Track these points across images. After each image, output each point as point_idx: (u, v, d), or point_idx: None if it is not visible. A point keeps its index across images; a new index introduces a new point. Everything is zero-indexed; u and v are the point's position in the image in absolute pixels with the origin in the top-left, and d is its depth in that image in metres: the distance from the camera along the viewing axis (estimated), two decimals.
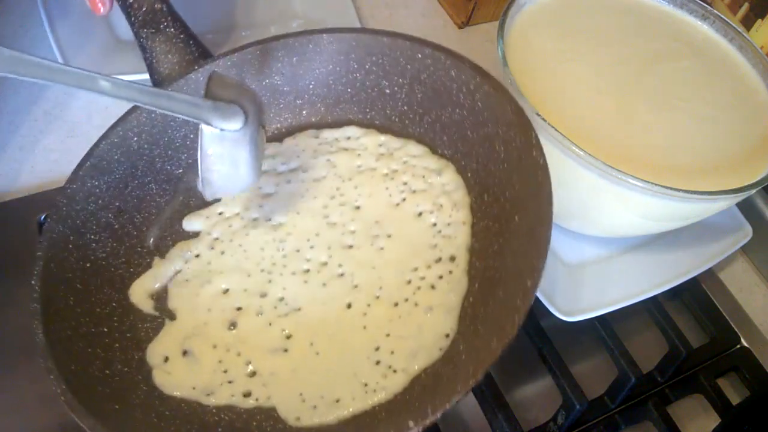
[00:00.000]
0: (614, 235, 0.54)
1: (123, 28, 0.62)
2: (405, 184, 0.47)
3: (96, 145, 0.45)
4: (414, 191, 0.47)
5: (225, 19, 0.68)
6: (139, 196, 0.47)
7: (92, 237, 0.44)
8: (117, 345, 0.42)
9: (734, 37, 0.54)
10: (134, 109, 0.46)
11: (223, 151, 0.39)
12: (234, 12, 0.69)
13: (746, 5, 0.64)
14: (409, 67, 0.49)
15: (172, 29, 0.49)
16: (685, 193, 0.42)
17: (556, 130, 0.43)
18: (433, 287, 0.43)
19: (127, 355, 0.42)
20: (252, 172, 0.41)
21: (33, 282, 0.39)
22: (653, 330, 0.55)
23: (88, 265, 0.43)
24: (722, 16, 0.54)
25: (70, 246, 0.42)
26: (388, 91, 0.50)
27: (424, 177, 0.47)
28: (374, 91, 0.50)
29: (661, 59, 0.52)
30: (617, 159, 0.43)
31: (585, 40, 0.52)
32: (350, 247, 0.45)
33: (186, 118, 0.37)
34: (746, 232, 0.58)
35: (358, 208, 0.47)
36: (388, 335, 0.41)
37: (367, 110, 0.51)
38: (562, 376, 0.49)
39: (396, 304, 0.42)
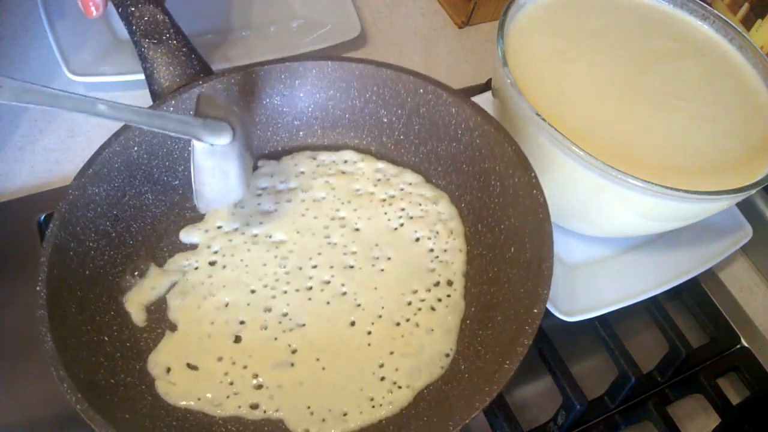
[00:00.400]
0: (614, 235, 0.54)
1: (123, 28, 0.62)
2: (402, 210, 0.49)
3: (98, 152, 0.45)
4: (411, 217, 0.49)
5: (225, 19, 0.68)
6: (136, 205, 0.47)
7: (91, 244, 0.44)
8: (118, 354, 0.42)
9: (734, 37, 0.54)
10: None
11: (214, 165, 0.41)
12: (234, 12, 0.69)
13: (746, 5, 0.64)
14: (409, 99, 0.50)
15: (175, 41, 0.49)
16: (685, 193, 0.42)
17: (556, 130, 0.43)
18: (433, 309, 0.45)
19: (128, 364, 0.42)
20: (241, 183, 0.43)
21: (39, 288, 0.39)
22: (653, 330, 0.55)
23: (87, 272, 0.43)
24: (722, 16, 0.54)
25: (71, 253, 0.42)
26: (385, 120, 0.51)
27: (420, 205, 0.49)
28: (372, 119, 0.52)
29: (662, 59, 0.52)
30: (617, 159, 0.43)
31: (585, 40, 0.52)
32: (351, 267, 0.46)
33: (179, 135, 0.39)
34: (746, 232, 0.58)
35: (357, 230, 0.48)
36: (391, 353, 0.43)
37: (364, 136, 0.52)
38: (562, 376, 0.49)
39: (398, 324, 0.44)
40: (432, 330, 0.44)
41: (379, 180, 0.51)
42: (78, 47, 0.61)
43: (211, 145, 0.40)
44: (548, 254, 0.40)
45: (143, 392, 0.41)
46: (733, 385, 0.56)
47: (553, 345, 0.50)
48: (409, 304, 0.45)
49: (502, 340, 0.40)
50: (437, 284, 0.46)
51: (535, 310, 0.38)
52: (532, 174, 0.43)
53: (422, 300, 0.45)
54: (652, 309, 0.54)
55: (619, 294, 0.51)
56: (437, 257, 0.47)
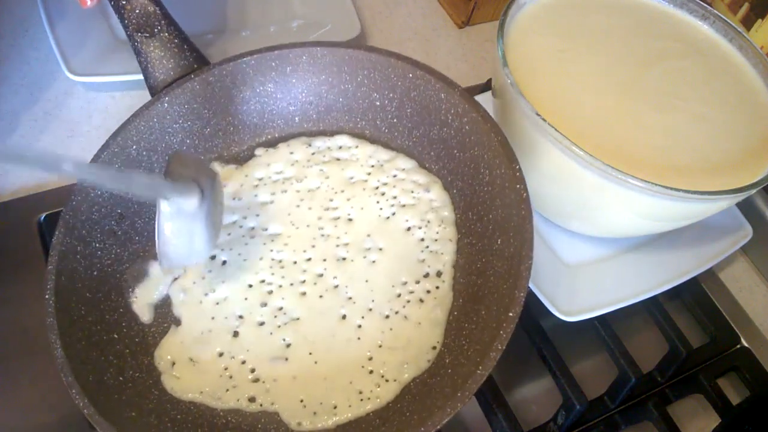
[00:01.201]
0: (614, 235, 0.54)
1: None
2: (395, 198, 0.49)
3: (96, 156, 0.46)
4: (403, 206, 0.49)
5: (225, 20, 0.68)
6: (139, 201, 0.48)
7: (97, 245, 0.45)
8: (127, 351, 0.43)
9: (734, 37, 0.54)
10: (133, 118, 0.47)
11: (180, 227, 0.41)
12: (234, 12, 0.69)
13: (746, 5, 0.64)
14: (399, 83, 0.50)
15: (167, 34, 0.50)
16: (685, 193, 0.42)
17: (556, 130, 0.43)
18: (421, 301, 0.45)
19: (137, 360, 0.43)
20: (207, 245, 0.42)
21: (47, 297, 0.40)
22: (653, 330, 0.55)
23: (95, 273, 0.44)
24: (722, 16, 0.54)
25: (78, 256, 0.43)
26: (378, 103, 0.52)
27: (412, 192, 0.49)
28: (365, 102, 0.52)
29: (662, 59, 0.52)
30: (617, 159, 0.43)
31: (585, 40, 0.52)
32: (344, 259, 0.47)
33: (146, 196, 0.39)
34: (746, 232, 0.58)
35: (350, 220, 0.49)
36: (380, 346, 0.44)
37: (358, 120, 0.53)
38: (562, 376, 0.49)
39: (387, 317, 0.45)
40: (419, 323, 0.44)
41: (372, 166, 0.51)
42: (78, 47, 0.61)
43: (178, 207, 0.40)
44: (528, 254, 0.40)
45: (150, 387, 0.42)
46: (733, 385, 0.56)
47: (553, 345, 0.50)
48: (399, 296, 0.45)
49: (483, 337, 0.40)
50: (426, 275, 0.46)
51: (511, 314, 0.38)
52: (517, 167, 0.43)
53: (411, 292, 0.46)
54: (652, 309, 0.54)
55: (619, 294, 0.51)
56: (428, 247, 0.47)
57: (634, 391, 0.51)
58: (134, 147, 0.47)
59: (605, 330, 0.52)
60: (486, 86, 0.66)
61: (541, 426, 0.50)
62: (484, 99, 0.61)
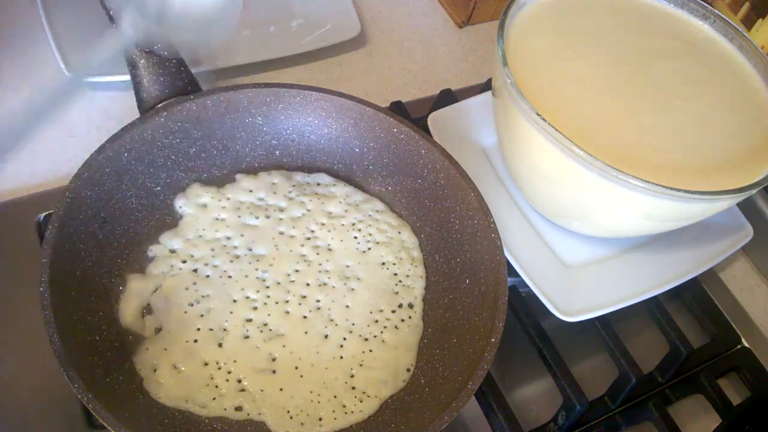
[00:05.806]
0: (614, 236, 0.54)
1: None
2: (370, 235, 0.53)
3: (93, 157, 0.46)
4: (378, 242, 0.52)
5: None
6: (121, 208, 0.48)
7: (81, 246, 0.45)
8: (109, 354, 0.43)
9: (734, 37, 0.53)
10: (131, 126, 0.48)
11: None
12: None
13: (747, 5, 0.64)
14: (382, 135, 0.53)
15: (165, 52, 0.51)
16: (685, 193, 0.42)
17: (556, 130, 0.43)
18: (396, 328, 0.49)
19: (119, 364, 0.43)
20: None
21: (42, 289, 0.40)
22: (654, 330, 0.55)
23: (78, 273, 0.44)
24: (723, 15, 0.54)
25: (65, 254, 0.43)
26: (357, 150, 0.55)
27: (386, 232, 0.53)
28: (345, 147, 0.55)
29: (662, 58, 0.52)
30: (617, 159, 0.43)
31: (585, 40, 0.52)
32: (325, 284, 0.49)
33: None
34: (747, 232, 0.58)
35: (330, 250, 0.51)
36: (361, 365, 0.46)
37: (335, 161, 0.56)
38: (563, 376, 0.49)
39: (366, 339, 0.48)
40: (396, 347, 0.48)
41: (349, 204, 0.54)
42: (78, 47, 0.61)
43: None
44: (504, 291, 0.45)
45: (134, 391, 0.42)
46: (733, 386, 0.56)
47: (553, 345, 0.50)
48: (376, 322, 0.48)
49: (459, 361, 0.45)
50: (400, 306, 0.50)
51: (493, 340, 0.43)
52: (491, 219, 0.48)
53: (387, 319, 0.49)
54: (653, 309, 0.54)
55: (620, 294, 0.51)
56: (401, 281, 0.51)
57: (634, 392, 0.51)
58: (125, 155, 0.48)
59: (605, 330, 0.52)
60: (486, 86, 0.66)
61: (542, 426, 0.50)
62: (484, 99, 0.61)
